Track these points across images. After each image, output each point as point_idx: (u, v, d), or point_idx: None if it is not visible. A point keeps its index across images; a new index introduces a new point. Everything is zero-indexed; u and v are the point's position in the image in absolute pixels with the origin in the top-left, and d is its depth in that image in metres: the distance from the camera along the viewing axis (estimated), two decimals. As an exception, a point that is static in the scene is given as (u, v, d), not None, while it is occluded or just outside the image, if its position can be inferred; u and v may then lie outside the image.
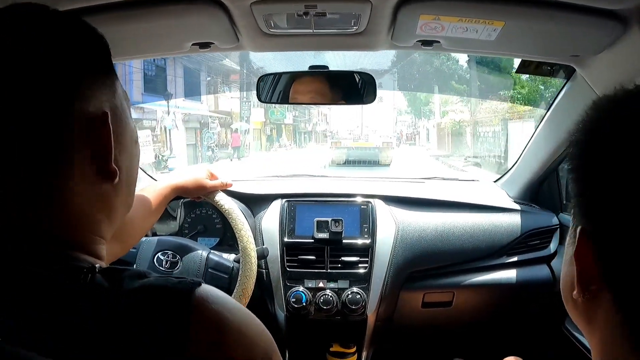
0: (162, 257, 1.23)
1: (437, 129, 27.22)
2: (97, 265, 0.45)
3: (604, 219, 0.40)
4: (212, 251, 1.27)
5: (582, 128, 0.43)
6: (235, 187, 1.42)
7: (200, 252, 1.24)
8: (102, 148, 0.47)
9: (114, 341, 0.40)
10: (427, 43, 1.09)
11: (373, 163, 14.88)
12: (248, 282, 1.18)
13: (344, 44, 1.10)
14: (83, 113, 0.46)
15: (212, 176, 1.24)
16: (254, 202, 1.47)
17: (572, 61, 1.19)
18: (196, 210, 1.48)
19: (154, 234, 1.45)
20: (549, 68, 1.35)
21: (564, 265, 0.48)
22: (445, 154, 21.62)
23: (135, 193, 1.07)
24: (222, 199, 1.23)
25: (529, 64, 1.33)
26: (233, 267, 1.24)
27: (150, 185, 1.10)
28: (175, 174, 1.16)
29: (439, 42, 1.08)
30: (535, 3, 0.91)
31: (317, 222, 1.37)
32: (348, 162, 14.61)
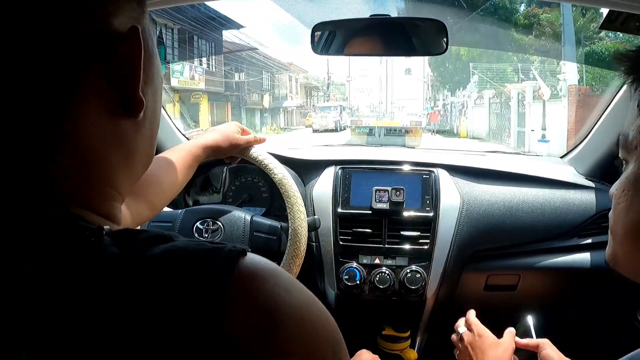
0: (201, 227, 1.11)
1: (576, 96, 11.12)
2: (106, 227, 0.34)
3: None
4: (254, 214, 1.15)
5: None
6: (285, 153, 1.31)
7: (242, 215, 1.12)
8: (127, 70, 0.37)
9: (122, 330, 0.29)
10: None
11: (400, 136, 13.45)
12: (296, 258, 1.05)
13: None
14: (104, 28, 0.36)
15: (244, 131, 1.10)
16: (305, 169, 1.35)
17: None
18: (241, 177, 1.37)
19: (195, 204, 1.35)
20: (637, 24, 1.20)
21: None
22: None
23: (163, 153, 0.98)
24: (258, 152, 1.08)
25: (616, 18, 1.18)
26: (280, 226, 1.12)
27: (180, 145, 0.99)
28: (204, 133, 1.04)
29: None
30: None
31: (376, 190, 1.25)
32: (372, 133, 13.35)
